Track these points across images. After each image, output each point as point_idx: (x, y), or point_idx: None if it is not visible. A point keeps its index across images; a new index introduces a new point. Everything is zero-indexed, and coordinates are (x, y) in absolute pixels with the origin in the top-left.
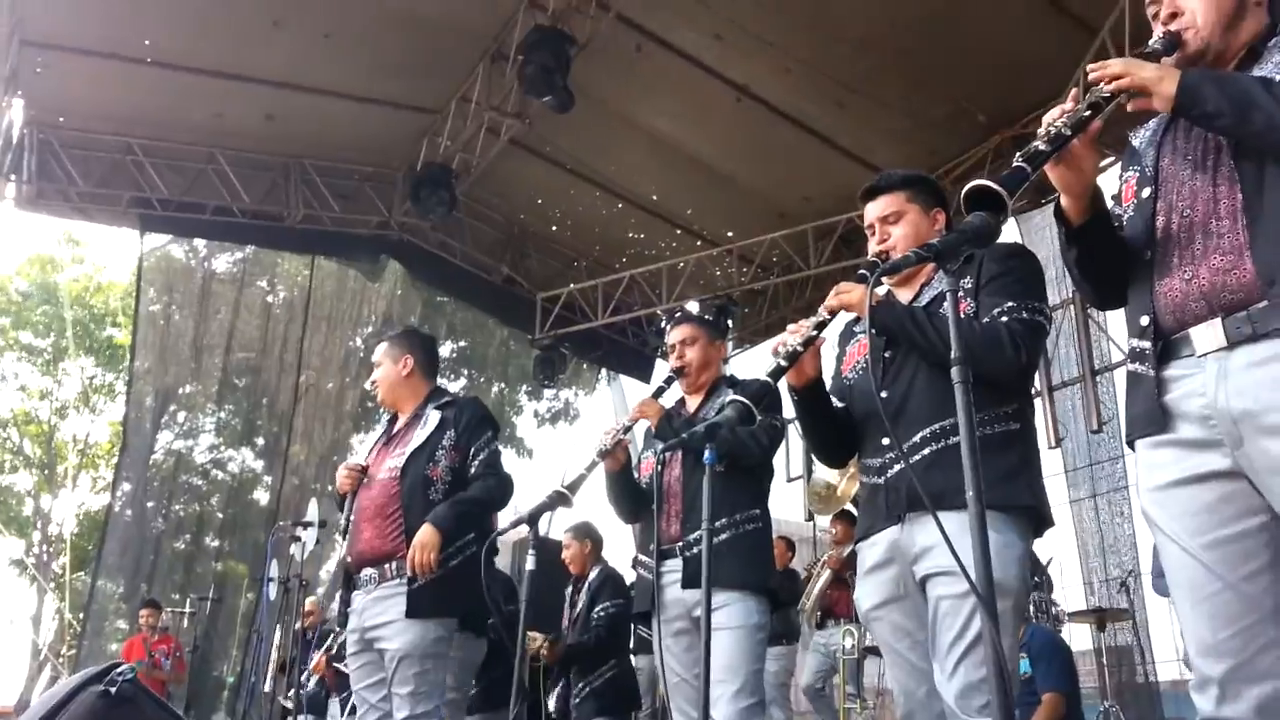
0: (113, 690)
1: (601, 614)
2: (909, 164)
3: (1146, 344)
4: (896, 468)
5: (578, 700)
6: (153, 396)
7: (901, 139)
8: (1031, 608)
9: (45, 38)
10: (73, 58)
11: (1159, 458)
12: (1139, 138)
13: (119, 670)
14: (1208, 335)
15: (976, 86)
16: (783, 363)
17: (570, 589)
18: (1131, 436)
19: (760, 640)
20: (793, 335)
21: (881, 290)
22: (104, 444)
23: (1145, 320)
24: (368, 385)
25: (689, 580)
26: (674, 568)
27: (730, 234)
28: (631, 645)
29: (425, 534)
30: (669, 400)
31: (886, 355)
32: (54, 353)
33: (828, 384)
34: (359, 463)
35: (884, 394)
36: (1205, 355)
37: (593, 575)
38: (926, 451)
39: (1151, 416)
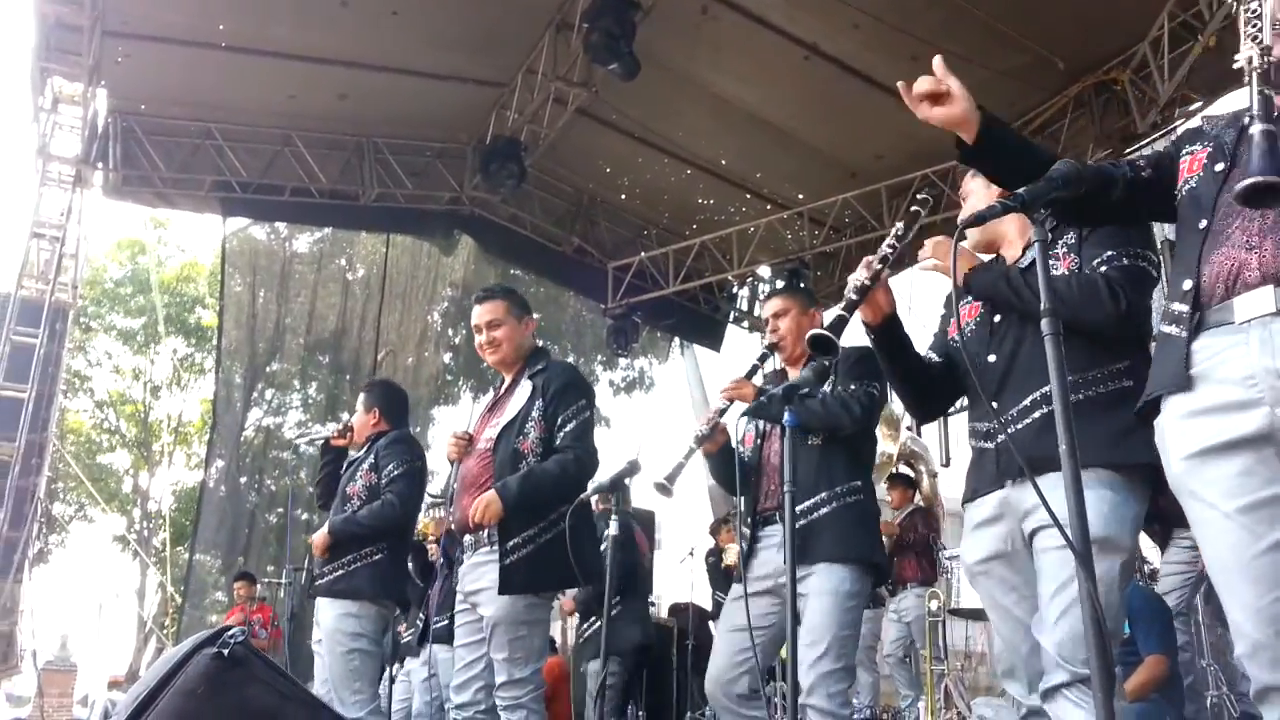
0: (225, 652)
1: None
2: None
3: (1184, 307)
4: (1011, 430)
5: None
6: (241, 375)
7: (977, 91)
8: None
9: (125, 27)
10: (151, 46)
11: (1189, 425)
12: (1213, 123)
13: (230, 633)
14: (1255, 301)
15: (1055, 33)
16: (854, 297)
17: None
18: (1154, 393)
19: (851, 608)
20: (862, 270)
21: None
22: (196, 422)
23: (1188, 285)
24: (483, 341)
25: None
26: (775, 532)
27: (801, 196)
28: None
29: (489, 496)
30: (766, 373)
31: (995, 320)
32: (146, 333)
33: (930, 344)
34: (466, 431)
35: (991, 357)
36: (1249, 321)
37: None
38: (1037, 415)
39: (1177, 378)
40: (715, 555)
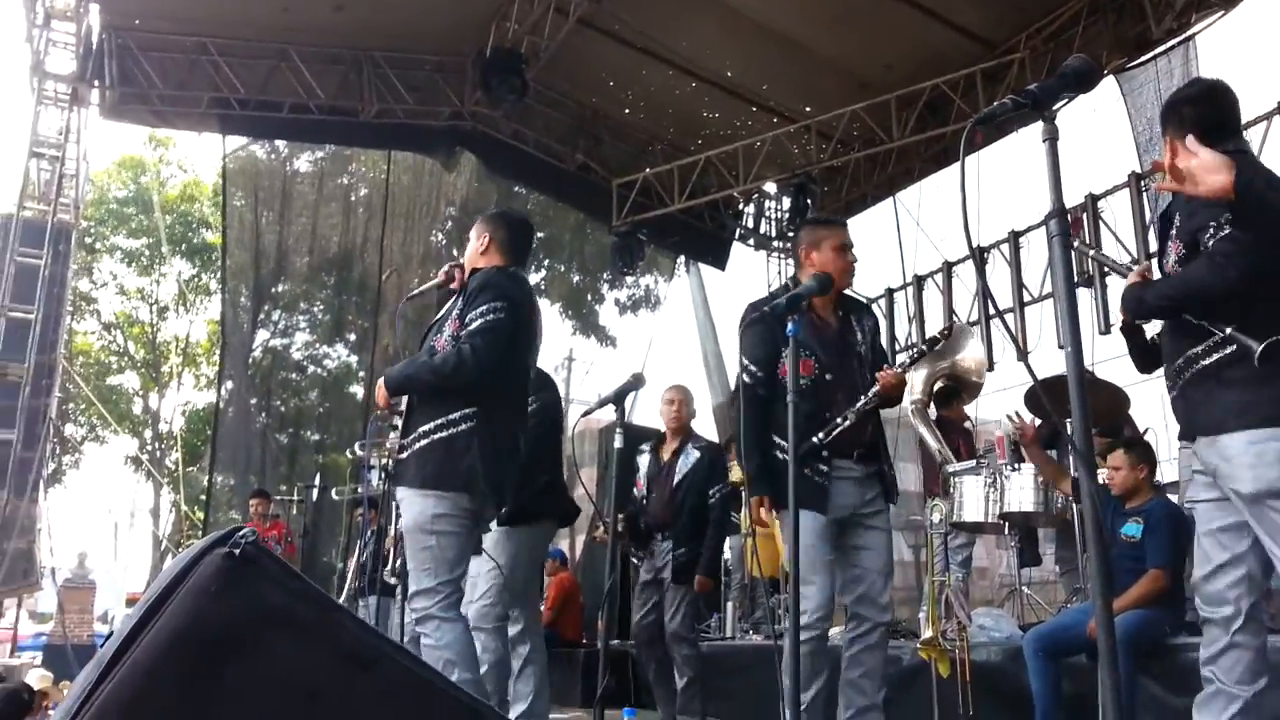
0: (237, 551)
1: (717, 496)
2: (996, 24)
3: None
4: None
5: (682, 562)
6: (247, 296)
7: None
8: None
9: None
10: None
11: None
12: None
13: (241, 533)
14: None
15: None
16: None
17: (655, 448)
18: None
19: None
20: None
21: None
22: (204, 342)
23: None
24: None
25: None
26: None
27: (808, 109)
28: None
29: (378, 385)
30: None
31: None
32: (151, 254)
33: None
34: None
35: None
36: None
37: (693, 445)
38: None
39: None
40: None
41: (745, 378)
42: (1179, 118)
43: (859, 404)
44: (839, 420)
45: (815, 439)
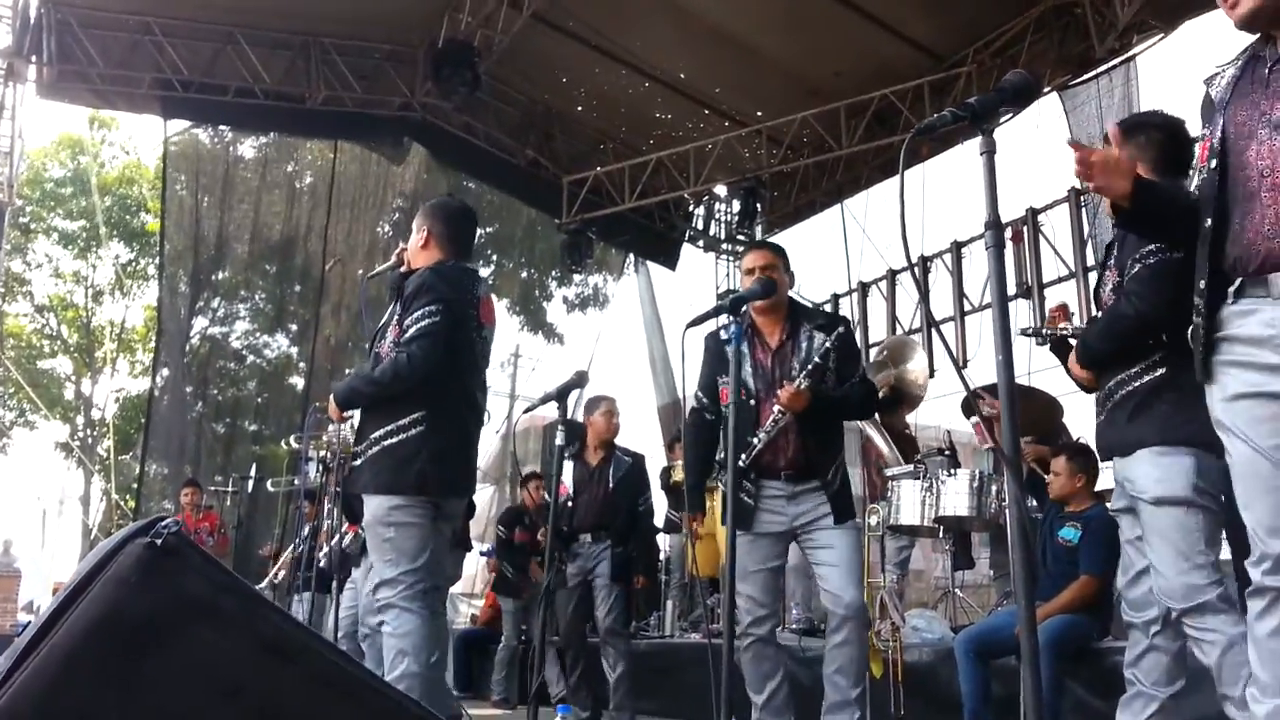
0: (158, 541)
1: (646, 504)
2: (945, 36)
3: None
4: None
5: (620, 561)
6: (185, 282)
7: (938, 10)
8: None
9: None
10: None
11: (1230, 374)
12: (1215, 87)
13: (164, 523)
14: None
15: None
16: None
17: (577, 455)
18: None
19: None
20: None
21: None
22: (140, 328)
23: (1202, 284)
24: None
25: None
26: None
27: (759, 113)
28: (663, 526)
29: (329, 401)
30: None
31: None
32: (88, 236)
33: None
34: None
35: None
36: None
37: (622, 453)
38: None
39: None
40: (664, 473)
41: (694, 403)
42: (1146, 136)
43: (767, 426)
44: (754, 442)
45: (739, 463)
